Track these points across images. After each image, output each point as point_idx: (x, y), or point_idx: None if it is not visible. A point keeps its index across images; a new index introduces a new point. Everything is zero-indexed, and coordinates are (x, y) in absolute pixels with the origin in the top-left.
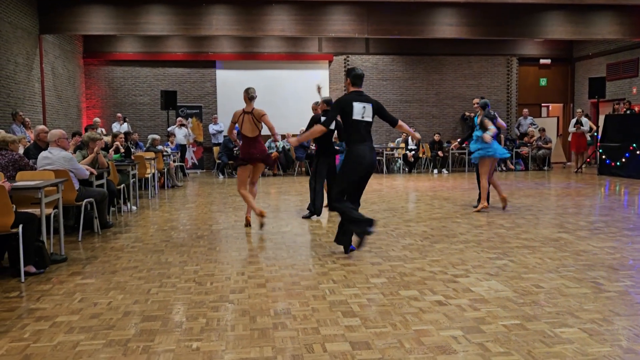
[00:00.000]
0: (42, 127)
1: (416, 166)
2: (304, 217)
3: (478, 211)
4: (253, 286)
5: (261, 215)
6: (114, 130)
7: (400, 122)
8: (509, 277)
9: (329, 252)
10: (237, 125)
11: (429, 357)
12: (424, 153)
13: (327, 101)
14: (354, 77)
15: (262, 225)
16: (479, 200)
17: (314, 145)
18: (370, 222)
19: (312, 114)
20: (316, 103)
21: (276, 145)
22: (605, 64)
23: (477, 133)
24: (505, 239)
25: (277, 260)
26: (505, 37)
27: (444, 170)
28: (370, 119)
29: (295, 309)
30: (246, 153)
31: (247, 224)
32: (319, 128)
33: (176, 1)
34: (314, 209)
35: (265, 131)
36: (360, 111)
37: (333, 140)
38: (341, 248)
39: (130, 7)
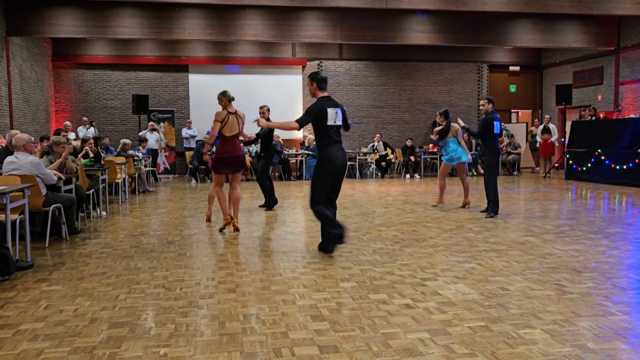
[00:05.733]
0: (16, 131)
1: (388, 171)
2: (262, 207)
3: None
4: (223, 291)
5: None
6: (80, 134)
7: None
8: (476, 280)
9: (300, 257)
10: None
11: (396, 359)
12: (396, 158)
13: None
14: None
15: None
16: (487, 208)
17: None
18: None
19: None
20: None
21: (249, 150)
22: (572, 72)
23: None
24: (473, 242)
25: (248, 265)
26: (475, 44)
27: (416, 175)
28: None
29: (264, 313)
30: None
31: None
32: (293, 124)
33: (147, 4)
34: (273, 201)
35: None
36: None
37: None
38: (313, 252)
39: (100, 10)
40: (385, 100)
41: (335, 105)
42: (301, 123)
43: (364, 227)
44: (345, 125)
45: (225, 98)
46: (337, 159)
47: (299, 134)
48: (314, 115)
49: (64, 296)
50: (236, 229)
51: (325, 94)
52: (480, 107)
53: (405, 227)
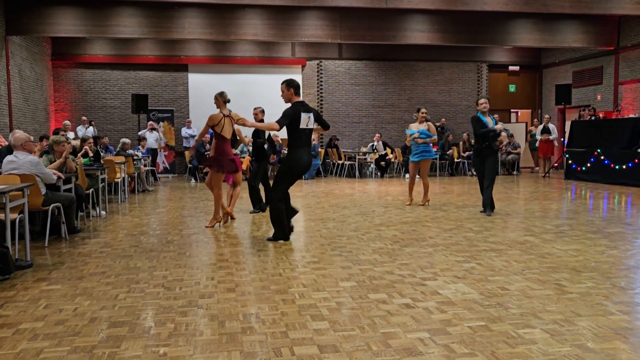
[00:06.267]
0: (19, 131)
1: (388, 171)
2: (253, 212)
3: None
4: (222, 291)
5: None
6: (79, 133)
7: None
8: (476, 280)
9: (300, 257)
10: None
11: (395, 359)
12: (396, 158)
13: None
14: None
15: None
16: (485, 208)
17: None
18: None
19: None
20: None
21: (249, 150)
22: (572, 72)
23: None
24: (473, 242)
25: (248, 264)
26: (475, 44)
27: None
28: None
29: (264, 313)
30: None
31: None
32: (274, 126)
33: (147, 4)
34: (263, 205)
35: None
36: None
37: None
38: (313, 252)
39: (100, 9)
40: (384, 99)
41: (308, 110)
42: (280, 124)
43: (363, 227)
44: (324, 125)
45: (221, 98)
46: (304, 160)
47: None
48: (290, 118)
49: (63, 295)
50: (230, 218)
51: (300, 99)
52: (480, 107)
53: (405, 227)
